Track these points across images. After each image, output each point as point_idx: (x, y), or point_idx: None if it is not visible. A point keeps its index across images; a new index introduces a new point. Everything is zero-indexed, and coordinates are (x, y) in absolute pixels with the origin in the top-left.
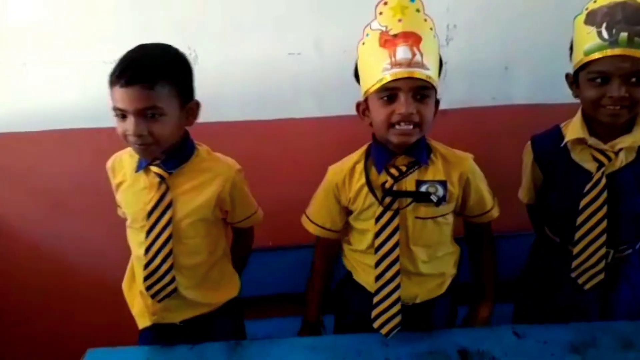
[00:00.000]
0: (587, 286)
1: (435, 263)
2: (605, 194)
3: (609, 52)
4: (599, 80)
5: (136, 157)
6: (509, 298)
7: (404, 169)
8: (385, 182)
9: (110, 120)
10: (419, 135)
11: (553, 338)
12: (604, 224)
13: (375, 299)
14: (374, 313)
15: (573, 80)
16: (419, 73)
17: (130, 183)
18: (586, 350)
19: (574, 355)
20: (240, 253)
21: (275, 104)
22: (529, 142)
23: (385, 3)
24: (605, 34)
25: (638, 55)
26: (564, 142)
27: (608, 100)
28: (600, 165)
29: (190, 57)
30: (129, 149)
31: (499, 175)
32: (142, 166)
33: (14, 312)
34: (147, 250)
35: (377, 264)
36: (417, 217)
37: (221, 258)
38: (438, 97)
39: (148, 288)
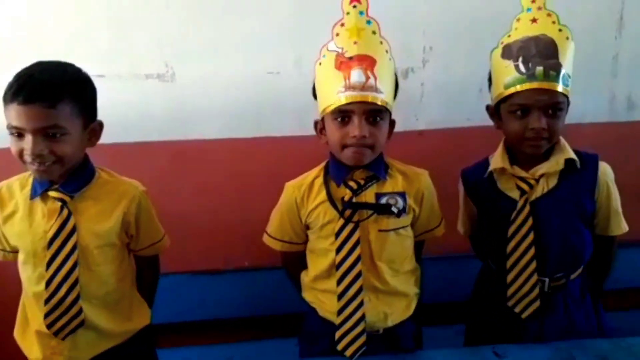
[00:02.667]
0: (524, 315)
1: (401, 278)
2: (530, 221)
3: (526, 85)
4: (519, 112)
5: (28, 184)
6: (461, 319)
7: (362, 182)
8: (344, 195)
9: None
10: (372, 157)
11: (532, 357)
12: (532, 251)
13: (338, 320)
14: (338, 335)
15: (494, 111)
16: (372, 97)
17: (24, 213)
18: None
19: None
20: (147, 284)
21: (254, 122)
22: (460, 175)
23: (342, 24)
24: (522, 68)
25: (554, 88)
26: (487, 172)
27: (530, 132)
28: (523, 192)
29: (167, 75)
30: (18, 177)
31: None
32: (38, 193)
33: None
34: (49, 282)
35: (339, 281)
36: (379, 230)
37: (131, 286)
38: (412, 116)
39: (50, 325)
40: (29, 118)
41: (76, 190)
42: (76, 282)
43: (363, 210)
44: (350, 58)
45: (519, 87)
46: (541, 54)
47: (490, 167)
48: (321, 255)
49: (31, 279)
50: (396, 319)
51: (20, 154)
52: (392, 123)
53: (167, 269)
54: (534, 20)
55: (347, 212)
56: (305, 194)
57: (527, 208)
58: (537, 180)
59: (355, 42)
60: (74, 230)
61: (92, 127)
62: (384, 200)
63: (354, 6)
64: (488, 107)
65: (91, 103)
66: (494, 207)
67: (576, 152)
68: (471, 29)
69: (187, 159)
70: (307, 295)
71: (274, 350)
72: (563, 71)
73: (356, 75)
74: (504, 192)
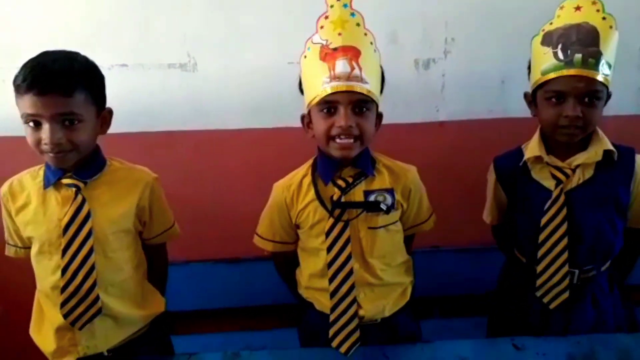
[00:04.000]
0: (552, 305)
1: (393, 271)
2: (564, 211)
3: (564, 72)
4: (555, 99)
5: (40, 176)
6: (481, 311)
7: (350, 180)
8: (333, 194)
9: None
10: (359, 149)
11: (552, 350)
12: (564, 241)
13: (332, 317)
14: (332, 332)
15: (531, 99)
16: (358, 87)
17: (37, 203)
18: None
19: None
20: (157, 273)
21: (274, 112)
22: (492, 163)
23: (327, 17)
24: (561, 55)
25: (591, 75)
26: (523, 160)
27: (564, 120)
28: (559, 182)
29: (189, 65)
30: (28, 170)
31: None
32: (52, 182)
33: None
34: (65, 270)
35: (331, 279)
36: (369, 228)
37: (144, 273)
38: (433, 108)
39: (67, 314)
40: (47, 106)
41: (89, 177)
42: (92, 268)
43: (352, 209)
44: (335, 49)
45: (554, 74)
46: (581, 41)
47: (526, 156)
48: (313, 255)
49: (47, 269)
50: (393, 308)
51: (38, 143)
52: (380, 116)
53: (188, 257)
54: (577, 8)
55: (337, 212)
56: (295, 193)
57: (562, 198)
58: (574, 171)
59: (339, 34)
60: (88, 216)
61: (103, 114)
62: (372, 198)
63: None
64: (526, 95)
65: (102, 90)
66: (527, 196)
67: (613, 144)
68: (493, 21)
69: (207, 148)
70: (304, 293)
71: (292, 338)
72: (603, 60)
73: (341, 65)
74: (538, 181)
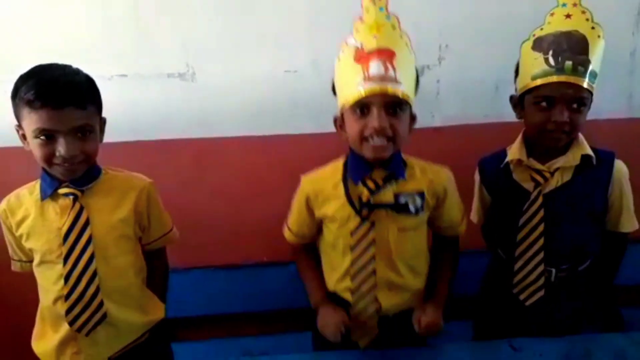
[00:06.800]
0: (528, 302)
1: (417, 273)
2: (541, 212)
3: (554, 78)
4: (544, 104)
5: (36, 190)
6: (469, 314)
7: (380, 182)
8: (361, 195)
9: None
10: (392, 150)
11: (549, 350)
12: (541, 241)
13: (352, 313)
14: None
15: (517, 102)
16: (391, 88)
17: (35, 214)
18: None
19: None
20: (159, 279)
21: (272, 120)
22: (478, 164)
23: (362, 20)
24: (552, 61)
25: (580, 82)
26: (504, 162)
27: (552, 124)
28: (537, 184)
29: (188, 74)
30: (26, 186)
31: None
32: (48, 193)
33: None
34: (67, 277)
35: (353, 277)
36: (399, 229)
37: (144, 280)
38: (429, 114)
39: (72, 322)
40: (64, 120)
41: (85, 185)
42: (95, 274)
43: (381, 210)
44: (370, 52)
45: (544, 80)
46: (572, 49)
47: (507, 158)
48: (339, 257)
49: (49, 280)
50: (404, 306)
51: (50, 157)
52: (413, 117)
53: (187, 265)
54: (568, 16)
55: (365, 212)
56: (320, 189)
57: (540, 200)
58: (552, 174)
59: (374, 36)
60: (87, 223)
61: (101, 123)
62: (402, 200)
63: (374, 2)
64: (512, 98)
65: (101, 101)
66: (508, 197)
67: (593, 149)
68: (487, 27)
69: (207, 157)
70: (328, 287)
71: (291, 343)
72: (591, 68)
73: (375, 66)
74: (519, 182)
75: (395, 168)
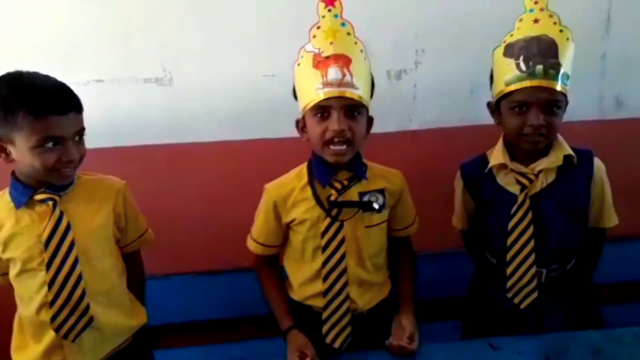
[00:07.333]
0: (523, 305)
1: (380, 268)
2: (530, 215)
3: (527, 83)
4: (518, 109)
5: (5, 198)
6: (458, 315)
7: (345, 182)
8: (330, 195)
9: None
10: (352, 153)
11: (527, 349)
12: (531, 244)
13: (325, 314)
14: (325, 329)
15: (495, 108)
16: (349, 92)
17: (11, 224)
18: (558, 359)
19: None
20: (136, 282)
21: (250, 124)
22: (459, 170)
23: (319, 27)
24: (523, 66)
25: (552, 86)
26: (487, 168)
27: (529, 128)
28: (523, 187)
29: (165, 79)
30: None
31: None
32: (23, 201)
33: None
34: (52, 283)
35: (325, 277)
36: (366, 227)
37: (125, 282)
38: (406, 117)
39: (58, 328)
40: (69, 125)
41: (62, 190)
42: (80, 278)
43: (348, 210)
44: (327, 57)
45: (517, 85)
46: (542, 53)
47: (491, 163)
48: (307, 262)
49: (31, 288)
50: (377, 299)
51: (57, 162)
52: (370, 120)
53: (166, 271)
54: (536, 21)
55: (334, 211)
56: (287, 195)
57: (528, 202)
58: (536, 176)
59: (331, 43)
60: (68, 227)
61: None
62: (366, 198)
63: (329, 10)
64: (489, 104)
65: None
66: (494, 202)
67: (572, 148)
68: (462, 32)
69: (185, 162)
70: (295, 296)
71: (271, 348)
72: (562, 70)
73: (333, 72)
74: (504, 187)
75: (357, 170)
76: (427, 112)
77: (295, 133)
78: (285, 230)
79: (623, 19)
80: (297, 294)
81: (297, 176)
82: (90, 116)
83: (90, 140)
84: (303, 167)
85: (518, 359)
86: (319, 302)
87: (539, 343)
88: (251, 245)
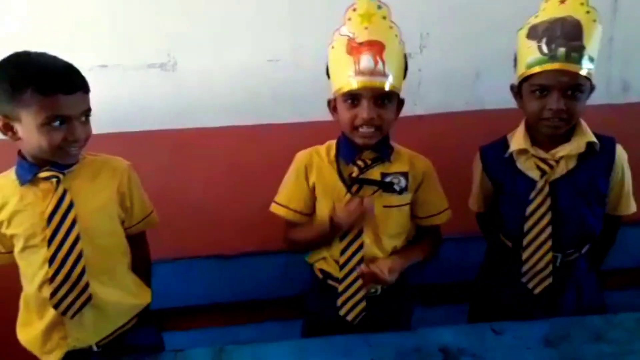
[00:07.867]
0: (537, 290)
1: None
2: (549, 201)
3: (548, 66)
4: (539, 92)
5: (11, 176)
6: (465, 299)
7: (369, 162)
8: (352, 172)
9: None
10: (379, 137)
11: (529, 333)
12: (549, 230)
13: (341, 287)
14: (340, 301)
15: (517, 90)
16: (379, 82)
17: (16, 200)
18: (560, 344)
19: (549, 349)
20: (142, 264)
21: (254, 110)
22: (478, 153)
23: (354, 9)
24: (545, 49)
25: (574, 69)
26: (507, 152)
27: (548, 112)
28: (543, 173)
29: (169, 64)
30: (1, 175)
31: (471, 176)
32: (28, 178)
33: None
34: (52, 259)
35: (343, 251)
36: (384, 206)
37: (129, 263)
38: (411, 102)
39: (57, 304)
40: (76, 104)
41: (66, 168)
42: (80, 256)
43: (368, 188)
44: (361, 44)
45: (538, 68)
46: (565, 35)
47: (512, 148)
48: None
49: (34, 264)
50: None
51: (63, 141)
52: (401, 101)
53: (174, 255)
54: (562, 1)
55: (355, 187)
56: (317, 161)
57: (547, 188)
58: (557, 162)
59: (365, 28)
60: (71, 205)
61: None
62: (388, 179)
63: None
64: (512, 87)
65: None
66: (513, 186)
67: (595, 134)
68: (468, 15)
69: (189, 147)
70: (311, 259)
71: (277, 331)
72: (586, 53)
73: (365, 60)
74: (524, 171)
75: (382, 151)
76: (432, 96)
77: (299, 118)
78: (312, 199)
79: (630, 2)
80: (311, 258)
81: (327, 149)
82: (94, 101)
83: (94, 126)
84: (332, 144)
85: (520, 343)
86: (326, 267)
87: (542, 327)
88: (281, 210)
